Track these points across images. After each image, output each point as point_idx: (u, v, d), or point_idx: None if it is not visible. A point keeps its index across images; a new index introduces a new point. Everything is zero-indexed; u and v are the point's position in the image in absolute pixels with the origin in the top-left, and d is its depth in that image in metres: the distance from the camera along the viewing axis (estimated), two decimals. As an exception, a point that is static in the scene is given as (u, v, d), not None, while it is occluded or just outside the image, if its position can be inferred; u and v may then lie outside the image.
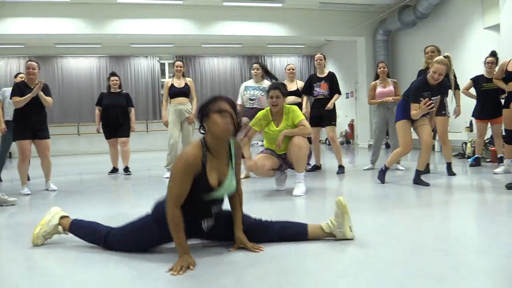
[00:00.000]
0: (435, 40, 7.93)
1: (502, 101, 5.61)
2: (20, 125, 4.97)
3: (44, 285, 2.02)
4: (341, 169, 5.92)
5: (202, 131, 2.29)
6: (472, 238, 2.59)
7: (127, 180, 6.20)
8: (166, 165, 6.22)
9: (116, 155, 7.02)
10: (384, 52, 11.67)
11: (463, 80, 6.36)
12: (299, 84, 6.30)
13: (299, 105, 5.99)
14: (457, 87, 5.58)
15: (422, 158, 4.56)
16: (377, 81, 6.25)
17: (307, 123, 4.20)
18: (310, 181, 5.05)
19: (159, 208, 2.31)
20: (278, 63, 16.32)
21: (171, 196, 2.15)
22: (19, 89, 4.92)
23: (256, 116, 4.35)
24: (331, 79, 6.03)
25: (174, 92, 6.06)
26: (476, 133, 6.42)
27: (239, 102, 5.92)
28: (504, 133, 5.46)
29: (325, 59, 6.17)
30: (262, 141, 4.86)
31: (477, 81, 6.24)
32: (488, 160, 6.64)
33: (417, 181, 4.53)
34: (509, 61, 5.32)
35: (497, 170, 5.30)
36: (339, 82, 6.22)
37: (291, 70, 6.36)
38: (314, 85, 6.05)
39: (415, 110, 4.38)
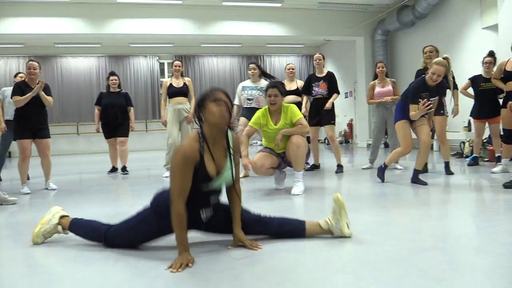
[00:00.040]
0: (433, 40, 7.96)
1: (500, 100, 5.64)
2: (21, 125, 4.99)
3: (44, 283, 2.04)
4: (339, 168, 5.94)
5: (199, 123, 2.31)
6: (470, 237, 2.61)
7: (126, 180, 6.22)
8: (165, 164, 6.24)
9: (115, 154, 7.04)
10: (383, 52, 11.69)
11: (462, 80, 6.38)
12: (299, 84, 6.32)
13: (299, 104, 6.01)
14: (455, 86, 5.60)
15: (420, 157, 4.59)
16: (376, 81, 6.27)
17: (305, 122, 4.22)
18: (308, 180, 5.07)
19: (158, 200, 2.35)
20: (277, 63, 16.33)
21: (174, 191, 2.18)
22: (20, 88, 4.94)
23: (254, 115, 4.38)
24: (330, 78, 6.05)
25: (173, 92, 6.07)
26: (474, 133, 6.45)
27: (236, 102, 5.94)
28: (502, 133, 5.48)
29: (324, 59, 6.19)
30: (261, 141, 4.88)
31: (475, 81, 6.26)
32: (486, 159, 6.66)
33: (415, 180, 4.55)
34: (508, 61, 5.34)
35: (494, 169, 5.32)
36: (338, 81, 6.25)
37: (291, 70, 6.38)
38: (313, 84, 6.07)
39: (414, 111, 4.41)
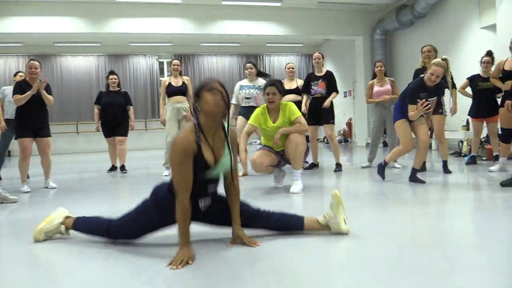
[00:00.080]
0: (432, 39, 7.98)
1: (499, 100, 5.66)
2: (21, 123, 5.01)
3: (45, 280, 2.06)
4: (338, 167, 5.95)
5: (195, 114, 2.34)
6: (468, 234, 2.63)
7: (125, 179, 6.24)
8: (164, 163, 6.26)
9: (115, 153, 7.05)
10: (382, 52, 11.72)
11: (460, 80, 6.40)
12: (298, 83, 6.35)
13: (299, 103, 6.03)
14: (453, 86, 5.63)
15: (418, 156, 4.61)
16: (375, 80, 6.30)
17: (303, 120, 4.24)
18: (307, 179, 5.10)
19: (158, 193, 2.39)
20: (277, 62, 16.36)
21: (179, 184, 2.21)
22: (21, 87, 4.97)
23: (253, 113, 4.40)
24: (328, 77, 6.07)
25: (172, 91, 6.09)
26: (472, 132, 6.47)
27: (234, 101, 5.96)
28: (500, 132, 5.51)
29: (323, 58, 6.21)
30: (259, 139, 4.90)
31: (473, 81, 6.28)
32: (484, 158, 6.69)
33: (413, 179, 4.58)
34: (506, 60, 5.37)
35: (492, 168, 5.34)
36: (337, 81, 6.27)
37: (291, 69, 6.40)
38: (312, 83, 6.09)
39: (413, 111, 4.44)
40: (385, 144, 9.71)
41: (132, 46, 14.51)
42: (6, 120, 5.94)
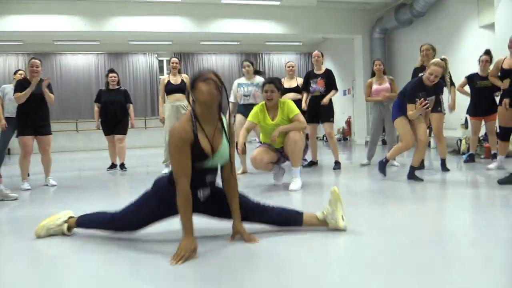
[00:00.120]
0: (431, 38, 8.01)
1: (497, 98, 5.69)
2: (22, 121, 5.06)
3: (46, 276, 2.09)
4: (337, 165, 5.98)
5: (192, 105, 2.38)
6: (465, 231, 2.65)
7: (125, 176, 6.26)
8: (164, 161, 6.28)
9: (114, 151, 7.07)
10: (381, 50, 11.74)
11: (459, 78, 6.43)
12: (299, 81, 6.36)
13: (299, 102, 6.04)
14: (452, 83, 5.64)
15: (417, 155, 4.64)
16: (373, 78, 6.33)
17: (302, 118, 4.26)
18: (306, 176, 5.12)
19: (158, 185, 2.44)
20: (276, 61, 16.37)
21: (177, 171, 2.24)
22: (22, 86, 5.02)
23: (252, 110, 4.43)
24: (328, 75, 6.09)
25: (171, 89, 6.11)
26: (471, 130, 6.50)
27: (232, 99, 5.97)
28: (498, 130, 5.54)
29: (322, 56, 6.23)
30: (258, 138, 4.92)
31: (471, 79, 6.30)
32: (482, 156, 6.71)
33: (412, 176, 4.60)
34: (504, 58, 5.40)
35: (490, 166, 5.36)
36: (336, 79, 6.29)
37: (291, 68, 6.42)
38: (311, 81, 6.11)
39: (411, 111, 4.47)
40: (384, 142, 9.74)
41: (132, 45, 14.51)
42: (6, 118, 5.96)
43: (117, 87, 6.96)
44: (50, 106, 5.35)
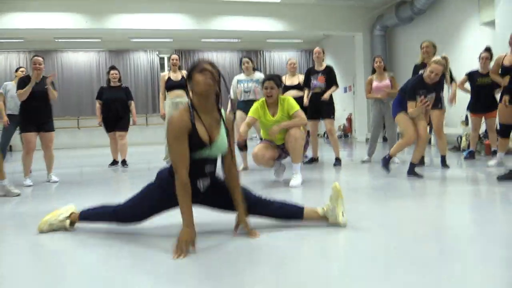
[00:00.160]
0: (432, 36, 8.00)
1: (497, 95, 5.70)
2: (26, 118, 5.09)
3: (49, 271, 2.11)
4: (338, 161, 5.99)
5: (189, 96, 2.40)
6: (463, 227, 2.67)
7: (127, 173, 6.29)
8: (165, 157, 6.31)
9: (116, 148, 7.10)
10: (382, 48, 11.75)
11: (459, 75, 6.44)
12: (300, 79, 6.37)
13: (301, 99, 6.06)
14: (452, 79, 5.65)
15: (417, 151, 4.65)
16: (374, 75, 6.34)
17: (302, 114, 4.28)
18: (307, 173, 5.14)
19: (161, 177, 2.47)
20: (277, 58, 16.37)
21: (176, 160, 2.27)
22: (24, 83, 5.04)
23: (252, 106, 4.46)
24: (328, 72, 6.10)
25: (171, 85, 6.14)
26: (471, 127, 6.52)
27: (231, 96, 5.99)
28: (498, 127, 5.55)
29: (323, 53, 6.24)
30: (259, 135, 4.95)
31: (472, 76, 6.31)
32: (483, 153, 6.73)
33: (412, 173, 4.62)
34: (505, 55, 5.41)
35: (490, 163, 5.38)
36: (337, 76, 6.30)
37: (292, 65, 6.43)
38: (312, 77, 6.13)
39: (412, 108, 4.48)
40: (384, 139, 9.75)
41: (133, 42, 14.51)
42: (8, 115, 6.00)
43: (118, 84, 6.98)
44: (51, 103, 5.39)
